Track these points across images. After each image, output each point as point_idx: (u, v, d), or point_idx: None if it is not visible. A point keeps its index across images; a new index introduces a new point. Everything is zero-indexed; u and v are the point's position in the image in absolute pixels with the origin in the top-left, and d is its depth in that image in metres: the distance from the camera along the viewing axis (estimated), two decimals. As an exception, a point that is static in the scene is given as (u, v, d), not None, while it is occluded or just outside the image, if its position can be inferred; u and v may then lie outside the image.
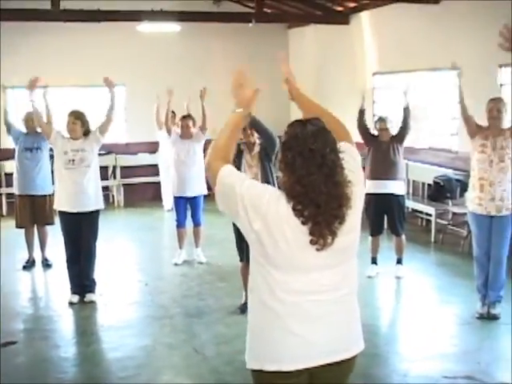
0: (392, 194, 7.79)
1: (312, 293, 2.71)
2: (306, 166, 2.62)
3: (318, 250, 2.64)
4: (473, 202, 6.46)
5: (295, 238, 2.64)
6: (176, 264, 8.65)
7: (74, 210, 6.98)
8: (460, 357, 5.67)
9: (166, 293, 7.60)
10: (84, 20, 11.22)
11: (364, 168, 8.00)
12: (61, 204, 7.07)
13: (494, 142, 6.28)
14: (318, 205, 2.61)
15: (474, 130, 6.49)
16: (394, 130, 7.91)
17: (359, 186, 2.84)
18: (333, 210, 2.63)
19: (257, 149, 6.62)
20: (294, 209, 2.62)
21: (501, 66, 9.01)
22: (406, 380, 5.17)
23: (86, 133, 7.08)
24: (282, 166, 2.71)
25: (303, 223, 2.62)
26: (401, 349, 6.03)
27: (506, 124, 6.39)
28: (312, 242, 2.62)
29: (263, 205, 2.66)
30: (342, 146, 2.79)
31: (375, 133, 8.08)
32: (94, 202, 7.04)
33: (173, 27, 12.10)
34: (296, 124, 2.75)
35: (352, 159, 2.84)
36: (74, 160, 6.95)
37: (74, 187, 6.95)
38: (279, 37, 14.69)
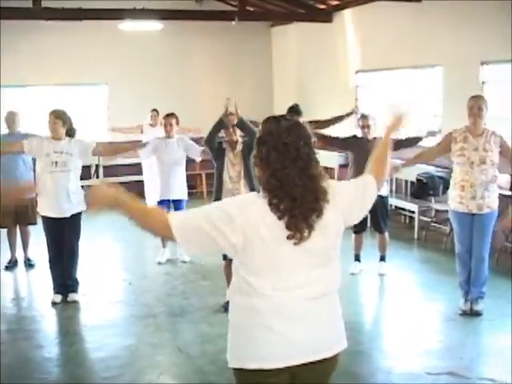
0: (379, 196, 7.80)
1: (291, 290, 2.71)
2: (280, 159, 2.66)
3: (295, 244, 2.65)
4: (454, 201, 6.48)
5: (272, 236, 2.65)
6: (159, 263, 8.63)
7: (59, 216, 6.94)
8: (443, 353, 5.70)
9: (149, 292, 7.58)
10: (65, 18, 11.16)
11: (347, 167, 8.03)
12: (44, 209, 7.00)
13: (476, 142, 6.28)
14: (293, 198, 2.63)
15: (448, 145, 6.48)
16: (377, 127, 7.90)
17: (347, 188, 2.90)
18: (309, 203, 2.66)
19: (239, 147, 6.63)
20: (270, 203, 2.64)
21: (483, 64, 9.06)
22: (389, 377, 5.19)
23: (70, 132, 7.00)
24: (257, 161, 2.75)
25: (280, 218, 2.63)
26: (384, 346, 6.05)
27: (486, 122, 6.42)
28: (289, 237, 2.63)
29: (236, 217, 2.65)
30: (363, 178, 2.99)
31: (358, 132, 8.08)
32: (77, 204, 6.99)
33: (155, 26, 12.06)
34: (270, 120, 2.80)
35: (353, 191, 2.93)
36: (57, 162, 6.86)
37: (57, 192, 6.86)
38: (262, 35, 14.71)
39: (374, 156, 3.14)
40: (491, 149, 6.25)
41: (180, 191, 8.54)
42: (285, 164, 2.66)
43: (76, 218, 7.02)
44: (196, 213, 2.74)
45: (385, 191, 7.89)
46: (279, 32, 14.59)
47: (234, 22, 11.78)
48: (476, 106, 6.28)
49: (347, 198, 2.85)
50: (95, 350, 5.94)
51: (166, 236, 2.74)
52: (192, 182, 12.45)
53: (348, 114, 9.72)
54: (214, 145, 6.74)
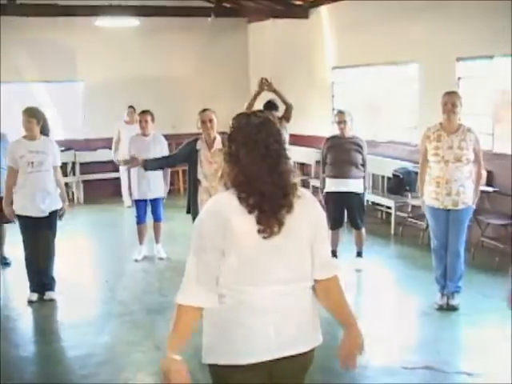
0: (352, 193, 7.83)
1: (265, 286, 2.70)
2: (249, 156, 2.67)
3: (265, 238, 2.65)
4: (429, 197, 6.51)
5: (243, 228, 2.65)
6: (136, 260, 8.60)
7: (37, 215, 6.88)
8: (420, 348, 5.74)
9: (126, 289, 7.56)
10: (41, 15, 11.06)
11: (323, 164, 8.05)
12: (21, 209, 6.93)
13: (451, 140, 6.30)
14: (262, 193, 2.64)
15: (425, 147, 6.50)
16: (352, 123, 7.91)
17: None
18: (278, 198, 2.66)
19: (217, 145, 6.53)
20: (238, 197, 2.65)
21: (458, 60, 9.12)
22: (366, 372, 5.21)
23: (44, 130, 6.94)
24: (226, 158, 2.75)
25: (250, 212, 2.64)
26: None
27: (462, 118, 6.45)
28: (259, 231, 2.64)
29: (215, 226, 2.66)
30: None
31: (335, 128, 8.10)
32: (54, 202, 6.94)
33: (131, 22, 12.01)
34: (240, 116, 2.82)
35: None
36: (32, 163, 6.80)
37: (34, 193, 6.79)
38: (239, 31, 14.69)
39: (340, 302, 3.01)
40: (466, 146, 6.27)
41: (156, 190, 8.50)
42: (254, 161, 2.66)
43: (52, 216, 6.97)
44: (192, 267, 2.73)
45: (361, 188, 7.91)
46: (256, 28, 14.57)
47: (210, 19, 11.76)
48: (450, 102, 6.30)
49: (314, 221, 2.82)
50: (72, 348, 5.91)
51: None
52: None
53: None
54: (182, 158, 6.80)
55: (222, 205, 2.70)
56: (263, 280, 2.70)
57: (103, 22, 11.69)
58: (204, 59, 14.15)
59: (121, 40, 13.25)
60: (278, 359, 2.73)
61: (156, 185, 8.50)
